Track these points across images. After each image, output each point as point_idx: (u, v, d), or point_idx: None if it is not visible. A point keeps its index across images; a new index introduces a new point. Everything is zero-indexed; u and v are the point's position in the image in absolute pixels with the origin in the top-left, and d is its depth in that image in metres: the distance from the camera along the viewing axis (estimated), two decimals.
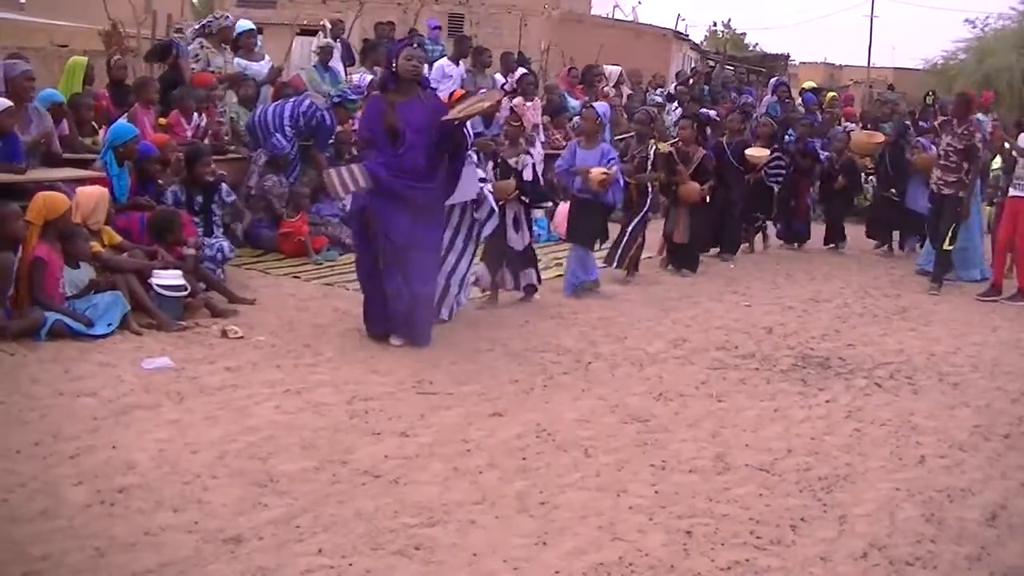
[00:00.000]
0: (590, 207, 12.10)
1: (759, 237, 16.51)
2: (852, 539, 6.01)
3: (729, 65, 41.95)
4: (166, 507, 5.88)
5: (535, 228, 16.14)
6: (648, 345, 10.11)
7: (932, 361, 10.15)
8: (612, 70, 21.13)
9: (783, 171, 15.93)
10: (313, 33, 19.68)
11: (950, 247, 13.92)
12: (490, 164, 11.15)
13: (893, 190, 16.52)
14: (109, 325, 8.91)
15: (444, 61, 18.63)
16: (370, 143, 9.53)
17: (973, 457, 7.52)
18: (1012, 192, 13.49)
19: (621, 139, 15.37)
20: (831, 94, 24.38)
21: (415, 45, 9.72)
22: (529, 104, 16.98)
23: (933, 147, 15.17)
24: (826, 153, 17.07)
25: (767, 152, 15.48)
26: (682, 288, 13.09)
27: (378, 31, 20.63)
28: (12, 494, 5.88)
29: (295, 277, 12.06)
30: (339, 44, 18.66)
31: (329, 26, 18.91)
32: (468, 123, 9.95)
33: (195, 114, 13.11)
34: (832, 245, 17.15)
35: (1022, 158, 13.30)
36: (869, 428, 8.04)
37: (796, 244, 16.93)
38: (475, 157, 10.50)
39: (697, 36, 58.42)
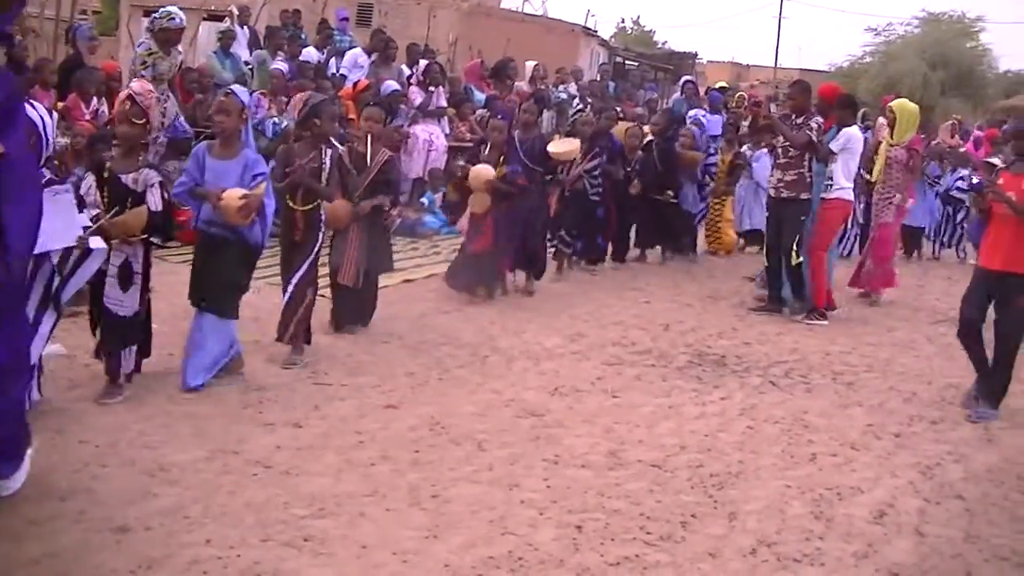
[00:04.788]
0: (225, 250, 7.92)
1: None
2: (742, 535, 6.06)
3: (636, 61, 42.24)
4: (53, 496, 5.80)
5: (428, 217, 15.70)
6: (545, 340, 10.14)
7: (827, 360, 10.27)
8: (528, 64, 21.09)
9: (603, 178, 13.52)
10: (221, 19, 19.49)
11: (799, 260, 11.93)
12: (92, 179, 7.48)
13: (670, 192, 14.75)
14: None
15: (358, 51, 18.60)
16: None
17: (864, 456, 7.61)
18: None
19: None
20: (739, 94, 24.51)
21: None
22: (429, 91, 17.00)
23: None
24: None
25: (576, 145, 12.71)
26: (581, 284, 13.13)
27: (283, 18, 20.49)
28: None
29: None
30: (245, 30, 18.50)
31: (236, 12, 18.74)
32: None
33: (94, 98, 12.90)
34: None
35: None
36: (762, 426, 8.11)
37: (595, 263, 14.23)
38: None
39: (606, 32, 58.69)
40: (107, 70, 13.71)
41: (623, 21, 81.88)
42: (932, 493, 6.98)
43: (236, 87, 8.56)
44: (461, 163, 12.63)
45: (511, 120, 13.47)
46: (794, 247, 11.85)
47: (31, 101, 6.35)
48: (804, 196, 11.84)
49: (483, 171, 11.45)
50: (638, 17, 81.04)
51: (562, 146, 12.51)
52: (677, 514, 6.27)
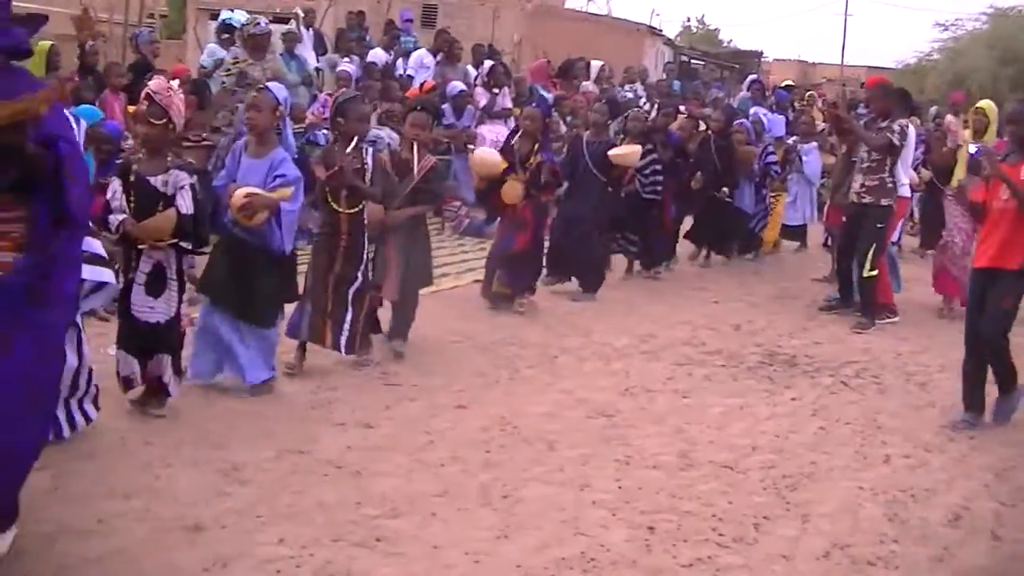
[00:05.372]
0: (247, 254, 7.65)
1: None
2: (815, 537, 6.00)
3: (701, 60, 42.05)
4: (117, 495, 5.83)
5: None
6: (615, 340, 10.09)
7: (899, 360, 10.15)
8: (595, 64, 21.04)
9: (661, 177, 12.90)
10: (286, 21, 19.60)
11: (872, 272, 11.43)
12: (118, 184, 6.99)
13: (725, 189, 14.32)
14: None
15: (423, 52, 18.67)
16: None
17: (938, 458, 7.52)
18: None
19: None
20: (809, 93, 24.24)
21: None
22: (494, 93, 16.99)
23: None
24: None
25: (637, 151, 12.21)
26: (649, 284, 13.04)
27: (348, 20, 20.58)
28: None
29: None
30: (310, 33, 18.59)
31: (301, 14, 18.84)
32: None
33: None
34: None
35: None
36: (834, 426, 8.03)
37: (658, 267, 13.62)
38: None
39: (671, 31, 58.45)
40: (177, 74, 13.80)
41: (688, 20, 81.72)
42: (1007, 496, 6.88)
43: (272, 84, 8.42)
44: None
45: (549, 111, 12.89)
46: (869, 255, 11.32)
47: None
48: (885, 202, 11.36)
49: (486, 155, 10.88)
50: (703, 16, 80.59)
51: (624, 151, 12.02)
52: (749, 515, 6.21)
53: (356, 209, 8.32)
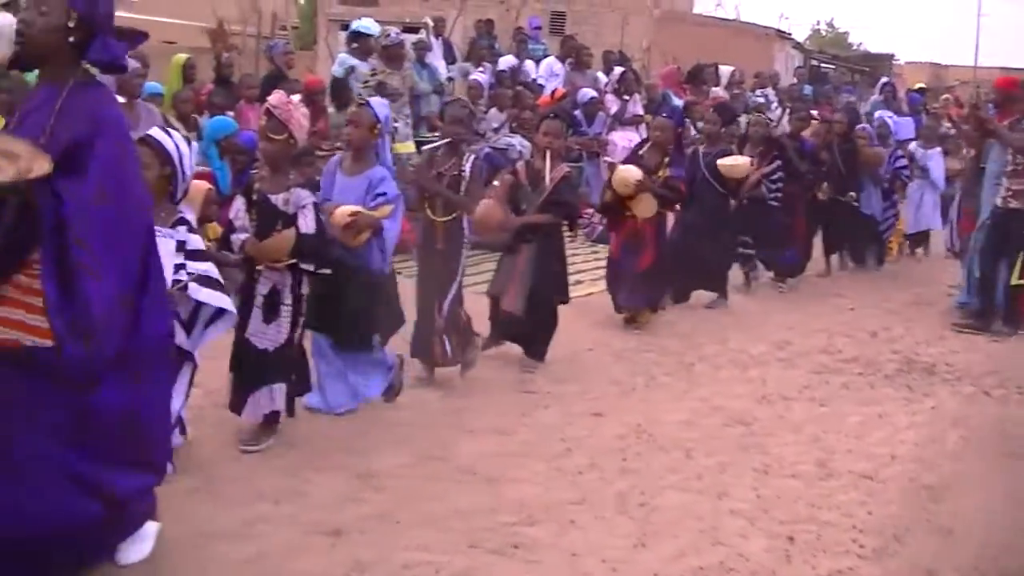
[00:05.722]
0: (344, 273, 7.16)
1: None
2: (959, 550, 5.87)
3: (832, 64, 41.52)
4: (266, 499, 5.93)
5: None
6: (751, 347, 10.02)
7: None
8: (724, 70, 20.89)
9: (784, 183, 12.60)
10: (416, 31, 19.77)
11: (1021, 281, 11.04)
12: (242, 202, 6.88)
13: (852, 194, 14.00)
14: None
15: (552, 59, 18.73)
16: None
17: None
18: None
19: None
20: (944, 96, 23.77)
21: None
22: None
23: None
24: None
25: (746, 163, 11.76)
26: (783, 292, 12.93)
27: (477, 28, 20.71)
28: None
29: None
30: (440, 41, 18.74)
31: (431, 23, 18.98)
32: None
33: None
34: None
35: None
36: (975, 437, 7.86)
37: (790, 277, 13.33)
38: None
39: (800, 35, 57.79)
40: (311, 85, 14.00)
41: (817, 23, 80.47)
42: None
43: (373, 100, 7.95)
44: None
45: (681, 121, 12.04)
46: (1019, 263, 10.96)
47: (168, 128, 6.24)
48: None
49: (628, 172, 10.25)
50: (832, 19, 79.47)
51: (731, 163, 11.52)
52: (890, 527, 6.10)
53: (451, 217, 8.13)
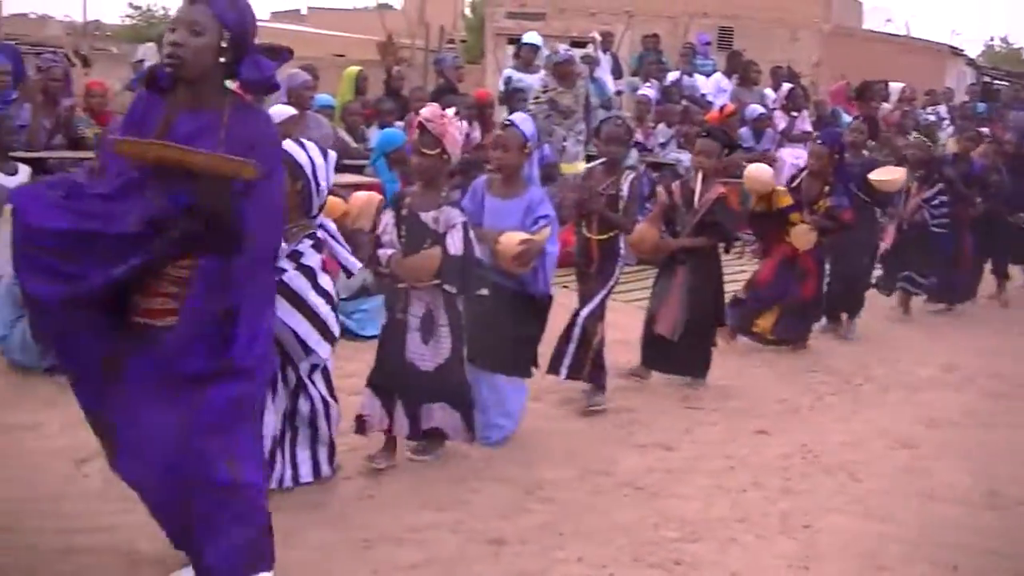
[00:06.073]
0: (506, 302, 6.86)
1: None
2: None
3: (1006, 81, 40.56)
4: (432, 506, 6.04)
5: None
6: (920, 370, 9.88)
7: None
8: (895, 87, 20.59)
9: (947, 207, 12.01)
10: (583, 45, 19.87)
11: None
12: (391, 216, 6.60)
13: (1021, 214, 13.15)
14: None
15: (719, 75, 18.68)
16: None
17: None
18: None
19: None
20: None
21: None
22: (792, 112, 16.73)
23: None
24: None
25: (902, 175, 11.23)
26: (955, 314, 12.62)
27: (644, 43, 20.73)
28: None
29: None
30: (607, 56, 18.80)
31: (599, 38, 19.06)
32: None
33: (465, 123, 13.36)
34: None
35: None
36: None
37: (960, 303, 12.81)
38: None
39: (973, 51, 56.56)
40: (480, 98, 14.22)
41: (991, 39, 78.56)
42: None
43: (518, 118, 7.32)
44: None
45: (838, 143, 11.52)
46: None
47: (302, 141, 6.08)
48: None
49: (760, 171, 9.94)
50: (1006, 35, 77.42)
51: (885, 175, 10.93)
52: None
53: (606, 236, 7.97)
